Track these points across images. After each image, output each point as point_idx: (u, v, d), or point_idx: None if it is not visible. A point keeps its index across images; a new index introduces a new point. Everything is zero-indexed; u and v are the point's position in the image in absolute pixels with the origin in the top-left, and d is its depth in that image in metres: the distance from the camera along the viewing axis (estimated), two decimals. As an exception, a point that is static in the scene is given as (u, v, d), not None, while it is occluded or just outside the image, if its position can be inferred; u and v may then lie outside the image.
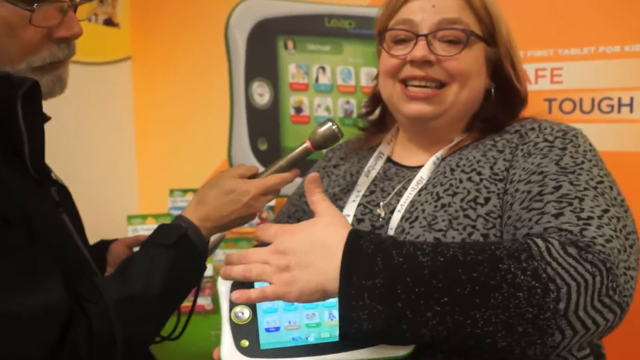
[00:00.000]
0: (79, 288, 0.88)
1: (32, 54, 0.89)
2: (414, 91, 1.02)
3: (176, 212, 1.92)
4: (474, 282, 0.74)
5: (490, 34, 1.03)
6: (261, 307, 0.88)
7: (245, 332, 0.86)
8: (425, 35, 0.99)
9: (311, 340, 0.86)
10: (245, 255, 0.86)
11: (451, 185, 0.97)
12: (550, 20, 1.60)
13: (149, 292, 0.91)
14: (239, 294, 0.84)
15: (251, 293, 0.83)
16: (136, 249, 1.28)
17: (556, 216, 0.85)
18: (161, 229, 1.02)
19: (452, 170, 1.00)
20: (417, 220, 0.96)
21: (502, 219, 0.92)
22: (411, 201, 1.00)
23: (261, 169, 1.09)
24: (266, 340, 0.85)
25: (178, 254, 0.97)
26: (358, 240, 0.79)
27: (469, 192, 0.95)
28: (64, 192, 1.04)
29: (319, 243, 0.81)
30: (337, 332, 0.84)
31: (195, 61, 2.12)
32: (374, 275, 0.75)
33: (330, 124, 1.06)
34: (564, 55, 1.59)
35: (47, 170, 0.98)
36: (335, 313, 0.88)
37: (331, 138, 1.07)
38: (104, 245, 1.26)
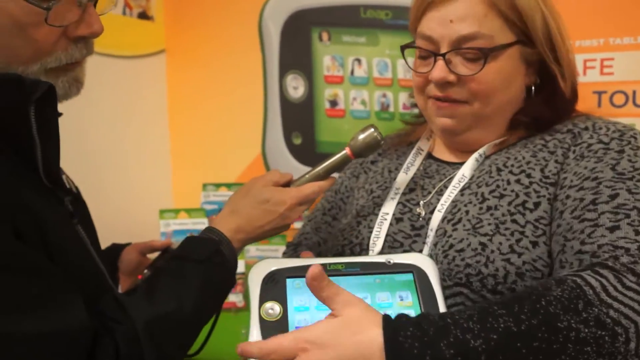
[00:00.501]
0: (100, 306, 0.83)
1: (46, 55, 0.81)
2: (440, 104, 0.97)
3: (209, 207, 1.90)
4: (537, 352, 0.68)
5: (524, 34, 0.95)
6: (292, 304, 0.86)
7: (275, 329, 0.82)
8: (443, 55, 0.93)
9: None
10: None
11: (498, 186, 0.93)
12: (600, 7, 1.52)
13: (179, 311, 0.85)
14: None
15: None
16: (150, 255, 1.25)
17: (611, 229, 0.79)
18: (191, 242, 0.95)
19: (498, 170, 0.95)
20: (461, 223, 0.91)
21: (551, 227, 0.87)
22: (453, 201, 0.95)
23: (295, 171, 1.04)
24: None
25: (210, 270, 0.91)
26: (397, 338, 0.70)
27: (517, 195, 0.90)
28: (78, 201, 0.97)
29: (353, 357, 0.71)
30: None
31: (229, 54, 2.10)
32: None
33: (372, 130, 1.00)
34: (615, 44, 1.51)
35: (60, 179, 0.91)
36: None
37: (372, 145, 1.01)
38: (116, 250, 1.22)
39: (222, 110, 2.13)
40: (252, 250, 1.84)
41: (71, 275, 0.81)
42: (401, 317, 0.73)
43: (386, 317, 0.73)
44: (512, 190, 0.91)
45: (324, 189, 1.01)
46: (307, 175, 1.02)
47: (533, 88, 0.99)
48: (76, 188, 1.03)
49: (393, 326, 0.71)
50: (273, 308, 0.84)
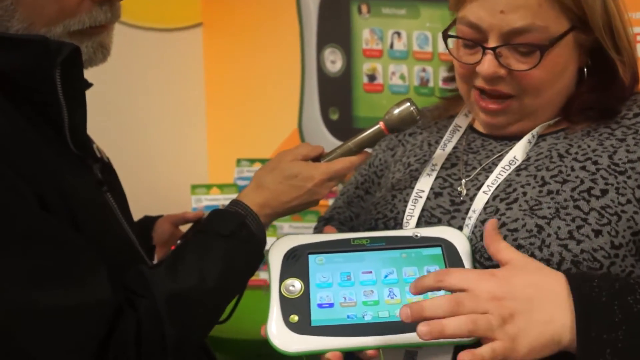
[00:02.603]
0: (125, 278, 0.82)
1: (70, 16, 0.80)
2: (485, 103, 0.92)
3: (242, 183, 1.89)
4: None
5: (580, 19, 0.88)
6: (314, 280, 0.84)
7: (296, 306, 0.81)
8: (494, 49, 0.86)
9: (368, 319, 0.80)
10: (457, 302, 0.71)
11: (560, 172, 0.88)
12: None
13: (202, 287, 0.83)
14: (468, 355, 0.69)
15: (482, 352, 0.70)
16: (182, 227, 1.23)
17: None
18: (217, 215, 0.92)
19: (560, 156, 0.90)
20: (516, 203, 0.87)
21: (619, 218, 0.82)
22: (507, 180, 0.90)
23: (331, 147, 0.99)
24: (318, 317, 0.80)
25: (235, 244, 0.88)
26: (584, 287, 0.73)
27: (582, 181, 0.85)
28: (108, 169, 0.96)
29: (541, 287, 0.73)
30: (396, 312, 0.78)
31: (267, 27, 2.07)
32: (615, 328, 0.70)
33: (408, 104, 0.95)
34: (672, 16, 1.42)
35: (89, 146, 0.90)
36: (396, 291, 0.82)
37: (408, 121, 0.96)
38: (148, 221, 1.21)
39: (258, 85, 2.11)
40: (285, 227, 1.82)
41: (98, 244, 0.80)
42: (587, 274, 0.77)
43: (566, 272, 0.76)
44: (577, 177, 0.86)
45: (355, 165, 0.97)
46: (338, 150, 0.98)
47: (585, 70, 0.92)
48: (107, 158, 1.02)
49: (577, 275, 0.75)
50: (294, 285, 0.83)
